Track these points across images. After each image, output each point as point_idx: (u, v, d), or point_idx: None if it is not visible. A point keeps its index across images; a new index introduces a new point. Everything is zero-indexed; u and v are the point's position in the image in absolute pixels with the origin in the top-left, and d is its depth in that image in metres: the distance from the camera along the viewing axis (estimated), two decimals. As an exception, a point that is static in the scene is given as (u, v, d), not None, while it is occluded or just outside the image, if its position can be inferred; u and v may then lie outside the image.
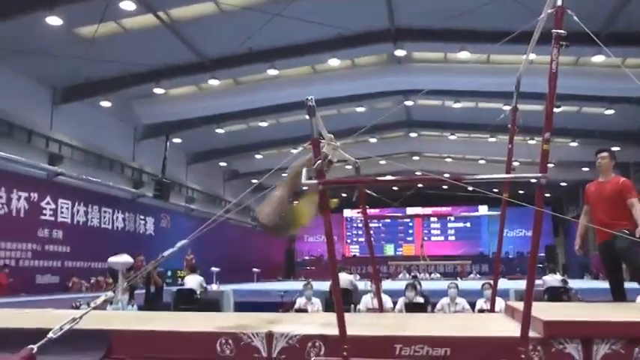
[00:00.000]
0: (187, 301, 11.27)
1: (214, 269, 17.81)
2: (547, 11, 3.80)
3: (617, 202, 5.48)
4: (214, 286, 15.95)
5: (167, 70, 17.50)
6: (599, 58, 15.70)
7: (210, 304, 11.24)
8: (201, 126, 22.45)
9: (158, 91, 18.43)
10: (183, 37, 15.84)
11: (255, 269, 26.00)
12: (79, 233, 18.79)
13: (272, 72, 17.73)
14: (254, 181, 29.76)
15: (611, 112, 20.65)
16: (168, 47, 16.12)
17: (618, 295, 5.62)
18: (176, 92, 19.94)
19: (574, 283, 16.62)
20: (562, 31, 3.60)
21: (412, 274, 28.90)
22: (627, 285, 5.76)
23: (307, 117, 3.81)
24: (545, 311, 3.97)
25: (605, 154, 5.78)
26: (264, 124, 23.45)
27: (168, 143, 22.89)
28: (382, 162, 29.92)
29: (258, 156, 28.51)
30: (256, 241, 34.11)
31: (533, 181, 3.63)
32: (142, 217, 23.25)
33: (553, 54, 3.64)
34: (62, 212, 18.26)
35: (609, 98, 18.84)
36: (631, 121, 21.04)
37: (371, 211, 37.58)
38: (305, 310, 9.59)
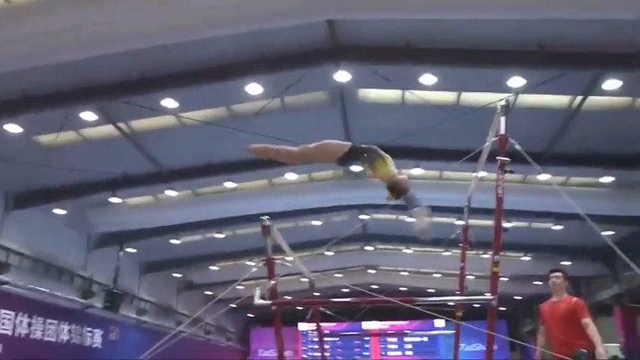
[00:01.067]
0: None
1: (163, 386, 17.02)
2: (491, 139, 4.06)
3: (572, 321, 5.60)
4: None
5: (124, 180, 17.48)
6: (545, 176, 16.38)
7: None
8: (156, 236, 22.22)
9: (114, 200, 18.30)
10: (142, 148, 16.01)
11: (206, 385, 25.05)
12: (20, 346, 17.84)
13: (229, 184, 17.91)
14: (207, 292, 29.30)
15: (559, 227, 21.30)
16: (126, 157, 16.22)
17: None
18: (132, 202, 19.84)
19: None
20: (506, 159, 3.84)
21: (369, 391, 28.11)
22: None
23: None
24: None
25: (558, 273, 5.94)
26: (220, 235, 23.34)
27: (121, 253, 22.48)
28: (338, 275, 29.94)
29: (213, 267, 28.13)
30: (208, 355, 32.97)
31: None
32: (90, 329, 22.29)
33: (498, 179, 3.86)
34: (4, 323, 17.42)
35: (556, 214, 19.47)
36: (579, 237, 21.66)
37: (327, 326, 37.09)
38: None
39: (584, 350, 5.38)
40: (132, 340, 23.45)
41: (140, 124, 15.04)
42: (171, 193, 18.26)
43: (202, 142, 15.40)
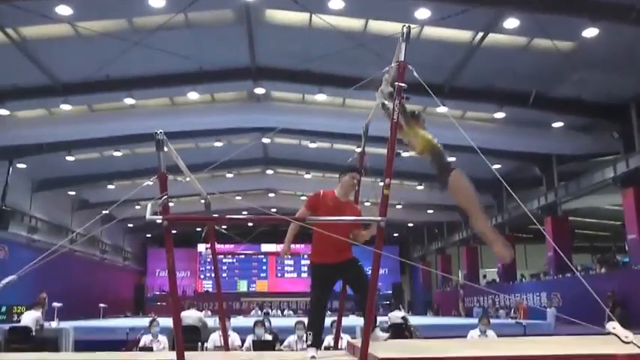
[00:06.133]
0: (21, 340, 10.46)
1: (56, 304, 16.62)
2: (392, 64, 4.12)
3: (351, 228, 5.19)
4: (53, 324, 14.93)
5: (14, 91, 16.46)
6: (443, 109, 16.89)
7: (48, 342, 10.55)
8: (50, 152, 21.20)
9: (3, 112, 17.20)
10: (34, 57, 15.02)
11: (101, 305, 24.82)
12: None
13: (129, 101, 17.25)
14: (104, 211, 28.67)
15: (452, 159, 22.15)
16: (17, 67, 15.18)
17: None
18: (23, 115, 18.68)
19: (417, 320, 17.48)
20: (403, 84, 3.91)
21: (264, 310, 28.92)
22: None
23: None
24: (382, 348, 4.18)
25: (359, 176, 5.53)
26: (118, 153, 22.65)
27: (11, 168, 21.41)
28: (238, 197, 30.03)
29: (110, 186, 27.39)
30: (104, 274, 32.63)
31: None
32: (-25, 247, 21.32)
33: (395, 104, 3.94)
34: None
35: (451, 146, 20.15)
36: (469, 169, 22.58)
37: (225, 247, 37.52)
38: (150, 349, 9.26)
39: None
40: (22, 258, 22.65)
41: (31, 31, 14.04)
42: (65, 107, 17.28)
43: (101, 55, 14.58)
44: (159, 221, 3.59)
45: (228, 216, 4.81)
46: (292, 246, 5.13)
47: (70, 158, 22.37)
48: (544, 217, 22.22)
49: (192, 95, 17.36)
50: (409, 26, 4.07)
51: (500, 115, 17.82)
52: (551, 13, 12.33)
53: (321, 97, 17.41)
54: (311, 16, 13.72)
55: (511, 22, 12.86)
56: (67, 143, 20.67)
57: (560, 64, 14.70)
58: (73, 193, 28.33)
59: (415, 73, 4.02)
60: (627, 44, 13.51)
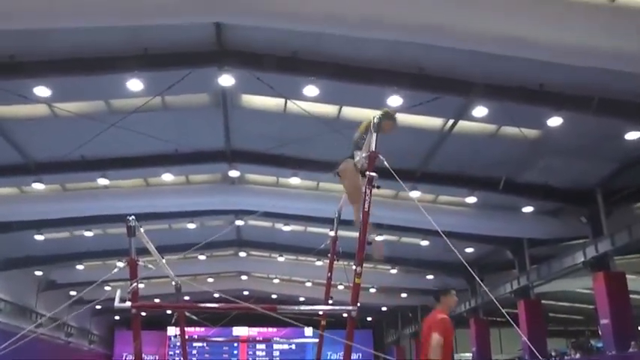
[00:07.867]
0: None
1: (13, 392, 15.92)
2: (363, 154, 4.24)
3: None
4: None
5: (-16, 168, 16.35)
6: (415, 194, 17.13)
7: None
8: (17, 230, 20.81)
9: (-30, 189, 17.01)
10: (8, 136, 14.99)
11: (62, 392, 23.84)
12: None
13: (103, 181, 17.20)
14: (72, 293, 27.88)
15: (425, 243, 22.35)
16: (-11, 145, 15.16)
17: None
18: (-7, 192, 18.48)
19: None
20: (373, 174, 4.00)
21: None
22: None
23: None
24: None
25: None
26: (89, 233, 22.31)
27: (-26, 246, 20.94)
28: (210, 280, 29.63)
29: (79, 266, 26.82)
30: (68, 358, 31.44)
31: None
32: None
33: (366, 193, 4.03)
34: None
35: (424, 230, 20.41)
36: (443, 253, 22.79)
37: (196, 331, 36.61)
38: None
39: None
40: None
41: (7, 110, 14.07)
42: (38, 186, 17.13)
43: (76, 136, 14.59)
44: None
45: (198, 304, 4.77)
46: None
47: (39, 237, 21.97)
48: (517, 300, 22.19)
49: (167, 177, 17.40)
50: (379, 117, 4.21)
51: (471, 199, 18.10)
52: (517, 102, 12.80)
53: (295, 181, 17.58)
54: (286, 102, 14.05)
55: (480, 111, 13.28)
56: (38, 222, 20.34)
57: (528, 151, 15.15)
58: (40, 273, 27.64)
59: (386, 163, 4.13)
60: (590, 132, 13.98)
